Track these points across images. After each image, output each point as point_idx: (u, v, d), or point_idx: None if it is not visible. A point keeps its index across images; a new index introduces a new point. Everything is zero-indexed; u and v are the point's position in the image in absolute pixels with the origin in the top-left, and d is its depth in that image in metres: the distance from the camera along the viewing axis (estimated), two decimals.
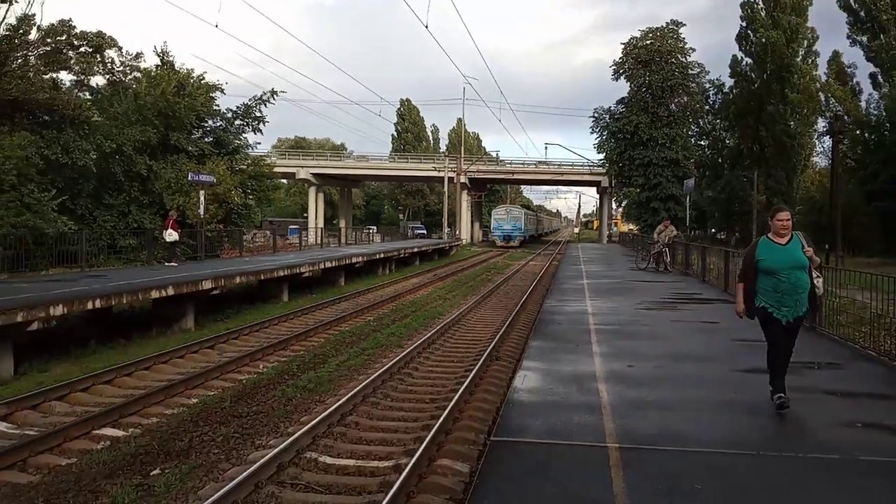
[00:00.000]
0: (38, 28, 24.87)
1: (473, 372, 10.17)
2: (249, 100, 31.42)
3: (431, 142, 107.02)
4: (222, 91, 30.31)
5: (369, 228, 67.03)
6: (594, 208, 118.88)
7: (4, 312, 10.51)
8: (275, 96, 31.30)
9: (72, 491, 6.32)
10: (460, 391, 9.05)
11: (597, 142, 55.60)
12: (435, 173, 67.65)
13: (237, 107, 31.46)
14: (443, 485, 6.23)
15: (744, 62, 53.38)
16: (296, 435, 7.38)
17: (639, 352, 9.30)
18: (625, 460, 5.21)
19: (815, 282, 6.43)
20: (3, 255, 17.89)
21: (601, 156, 56.11)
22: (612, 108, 54.41)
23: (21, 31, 24.38)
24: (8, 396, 9.24)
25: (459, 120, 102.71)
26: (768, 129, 49.75)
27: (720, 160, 59.16)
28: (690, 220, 43.18)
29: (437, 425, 7.58)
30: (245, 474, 6.23)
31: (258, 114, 31.35)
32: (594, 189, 79.70)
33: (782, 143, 49.56)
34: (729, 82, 54.79)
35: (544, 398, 7.01)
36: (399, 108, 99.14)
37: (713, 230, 62.23)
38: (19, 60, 24.85)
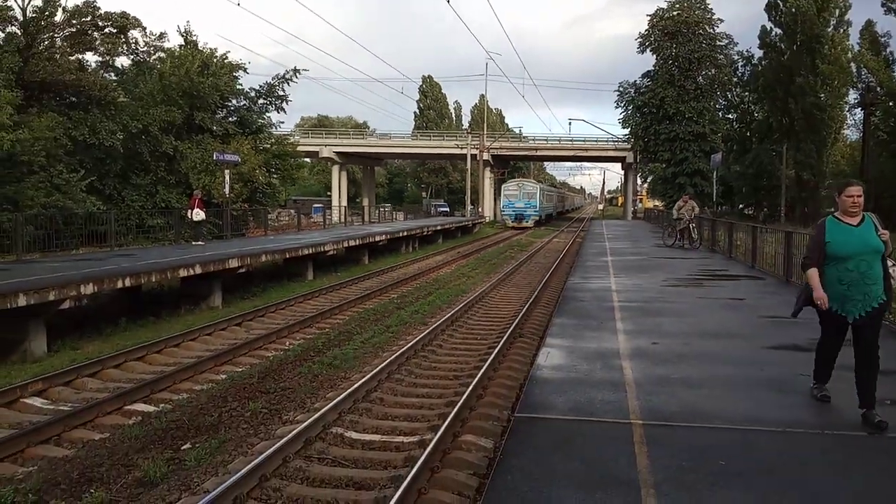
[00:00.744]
0: (64, 10, 25.10)
1: (497, 349, 10.21)
2: (272, 78, 31.50)
3: (454, 119, 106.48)
4: (245, 70, 30.41)
5: (383, 207, 66.92)
6: (619, 184, 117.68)
7: (37, 291, 10.76)
8: (297, 75, 31.32)
9: (105, 465, 6.50)
10: (484, 368, 9.10)
11: (621, 116, 54.81)
12: (457, 150, 67.39)
13: (260, 86, 31.57)
14: (467, 460, 6.29)
15: (773, 32, 52.02)
16: (322, 410, 7.49)
17: (663, 329, 9.24)
18: (649, 437, 5.21)
19: (891, 271, 5.57)
20: (34, 235, 18.26)
21: (626, 131, 55.33)
22: (638, 82, 53.52)
23: (47, 14, 24.64)
24: (42, 373, 9.50)
25: (482, 96, 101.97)
26: (798, 101, 48.58)
27: (748, 134, 58.01)
28: (717, 195, 42.57)
29: (461, 401, 7.64)
30: (273, 448, 6.35)
31: (281, 92, 31.42)
32: (619, 165, 78.89)
33: (812, 116, 48.41)
34: (758, 54, 53.50)
35: (568, 375, 7.02)
36: (421, 86, 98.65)
37: (741, 206, 61.28)
38: (46, 42, 25.15)
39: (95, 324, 12.98)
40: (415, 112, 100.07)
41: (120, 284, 12.88)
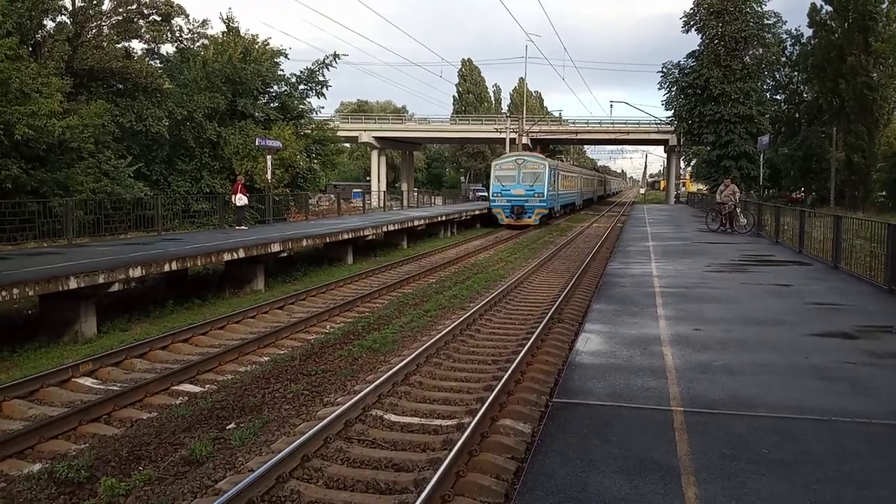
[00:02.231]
0: None
1: (535, 334, 10.20)
2: (313, 64, 31.73)
3: (493, 102, 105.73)
4: (286, 56, 30.72)
5: (422, 191, 66.67)
6: (661, 168, 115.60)
7: (88, 274, 11.11)
8: (337, 60, 31.47)
9: (153, 443, 6.71)
10: (522, 353, 9.10)
11: (665, 98, 53.66)
12: (496, 134, 66.97)
13: (301, 71, 31.83)
14: (505, 444, 6.32)
15: (823, 10, 50.31)
16: (362, 393, 7.60)
17: (706, 315, 9.10)
18: (690, 424, 5.16)
19: None
20: (84, 220, 18.83)
21: (669, 113, 54.21)
22: (682, 63, 52.26)
23: (95, 2, 25.25)
24: (93, 354, 9.83)
25: (521, 79, 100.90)
26: (849, 81, 46.94)
27: (797, 115, 56.36)
28: (764, 178, 41.50)
29: (500, 386, 7.66)
30: (315, 429, 6.48)
31: (321, 78, 31.64)
32: (661, 148, 77.42)
33: (864, 97, 46.74)
34: (807, 32, 51.85)
35: (607, 361, 6.97)
36: (460, 69, 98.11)
37: (789, 189, 59.65)
38: (94, 31, 25.79)
39: (143, 306, 13.36)
40: (454, 96, 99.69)
41: (167, 268, 13.22)
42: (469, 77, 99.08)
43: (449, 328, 10.93)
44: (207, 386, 8.59)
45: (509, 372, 8.18)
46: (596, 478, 4.37)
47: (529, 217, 35.38)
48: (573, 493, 4.19)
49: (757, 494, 4.06)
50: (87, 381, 8.82)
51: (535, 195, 35.56)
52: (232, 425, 7.22)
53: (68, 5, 24.84)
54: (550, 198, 36.97)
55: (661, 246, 18.90)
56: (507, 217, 35.51)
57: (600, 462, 4.60)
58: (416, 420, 7.27)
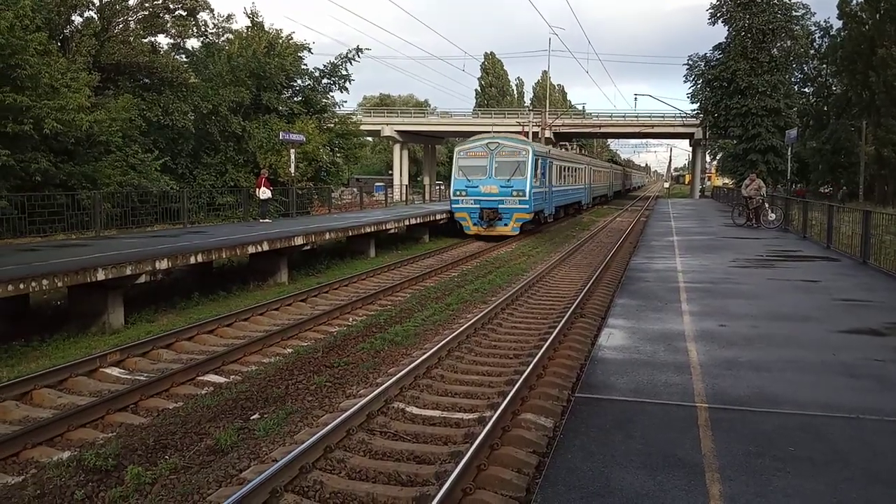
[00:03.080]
0: None
1: (557, 328, 10.16)
2: (336, 58, 31.83)
3: (515, 96, 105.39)
4: (310, 50, 30.85)
5: (436, 183, 66.05)
6: (686, 162, 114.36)
7: (115, 266, 11.29)
8: (360, 54, 31.53)
9: (179, 432, 6.81)
10: (544, 347, 9.07)
11: (691, 91, 52.95)
12: (519, 128, 66.63)
13: (324, 65, 31.94)
14: (527, 438, 6.31)
15: (854, 1, 49.20)
16: (384, 385, 7.63)
17: (731, 311, 8.99)
18: (714, 420, 5.11)
19: None
20: (111, 213, 19.13)
21: (695, 106, 53.51)
22: (708, 55, 51.50)
23: None
24: (120, 344, 10.00)
25: (544, 73, 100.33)
26: (879, 74, 45.89)
27: (825, 109, 55.33)
28: (792, 172, 40.85)
29: (521, 380, 7.65)
30: (337, 421, 6.53)
31: (344, 72, 31.72)
32: (686, 141, 76.54)
33: (895, 89, 45.69)
34: (837, 24, 50.79)
35: (630, 356, 6.93)
36: (483, 63, 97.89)
37: (817, 183, 58.63)
38: (120, 26, 26.13)
39: (169, 298, 13.54)
40: (476, 90, 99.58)
41: (192, 260, 13.38)
42: (492, 70, 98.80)
43: (470, 322, 10.93)
44: (232, 377, 8.69)
45: (531, 366, 8.17)
46: (619, 473, 4.35)
47: (505, 224, 25.18)
48: (596, 489, 4.17)
49: (783, 492, 4.01)
50: (115, 371, 8.97)
51: (514, 193, 25.14)
52: (256, 416, 7.30)
53: (95, 1, 25.18)
54: (537, 197, 26.46)
55: (685, 241, 18.70)
56: (474, 224, 25.45)
57: (623, 457, 4.58)
58: (437, 413, 7.30)
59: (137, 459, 6.13)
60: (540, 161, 26.71)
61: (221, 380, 8.57)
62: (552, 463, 4.63)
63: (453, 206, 25.86)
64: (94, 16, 25.16)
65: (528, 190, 25.11)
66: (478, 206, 25.30)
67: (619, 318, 8.68)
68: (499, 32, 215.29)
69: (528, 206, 25.22)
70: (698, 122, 56.21)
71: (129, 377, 8.76)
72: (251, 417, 7.26)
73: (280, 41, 29.92)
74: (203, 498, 5.40)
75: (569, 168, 35.72)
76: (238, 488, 5.29)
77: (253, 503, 5.08)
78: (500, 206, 25.07)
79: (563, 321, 10.66)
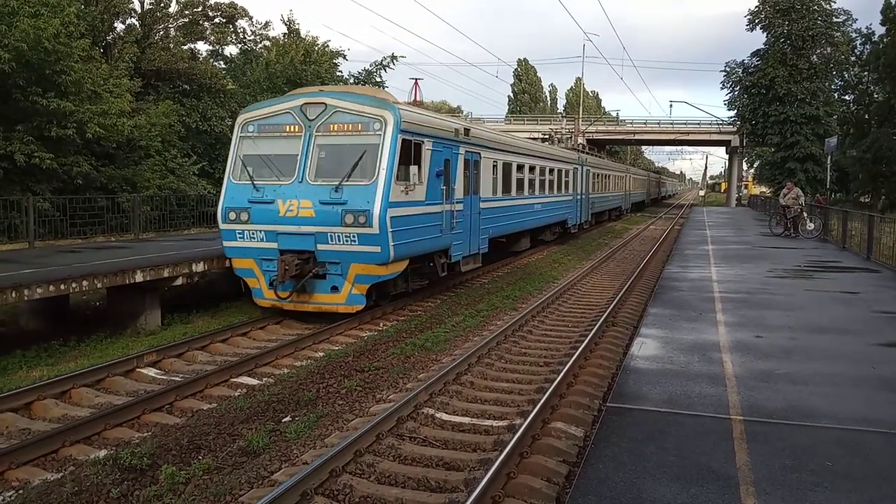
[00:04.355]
0: (177, 1, 26.64)
1: (588, 337, 10.07)
2: (370, 65, 32.14)
3: (548, 102, 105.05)
4: (345, 57, 31.27)
5: None
6: (722, 170, 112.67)
7: (153, 268, 11.52)
8: (395, 61, 31.80)
9: (212, 433, 6.90)
10: (575, 356, 9.00)
11: (727, 98, 52.32)
12: (552, 135, 66.41)
13: (359, 72, 32.30)
14: (557, 447, 6.26)
15: None
16: (414, 391, 7.65)
17: (768, 322, 8.83)
18: (750, 433, 5.02)
19: None
20: (150, 215, 19.56)
21: (732, 113, 52.83)
22: (746, 61, 50.84)
23: (162, 5, 26.20)
24: (156, 345, 10.19)
25: (578, 79, 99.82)
26: None
27: (866, 116, 53.93)
28: (831, 181, 39.96)
29: (552, 388, 7.60)
30: (368, 426, 6.56)
31: (378, 79, 32.01)
32: (723, 149, 75.42)
33: None
34: (879, 30, 49.45)
35: (663, 366, 6.85)
36: (516, 69, 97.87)
37: (857, 193, 57.24)
38: (161, 33, 26.79)
39: (205, 300, 13.76)
40: (509, 96, 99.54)
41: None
42: (525, 77, 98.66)
43: (501, 329, 10.90)
44: (265, 379, 8.79)
45: (562, 374, 8.11)
46: (651, 485, 4.30)
47: (336, 290, 11.42)
48: (627, 500, 4.13)
49: None
50: (151, 372, 9.14)
51: (350, 218, 10.97)
52: (287, 418, 7.37)
53: (137, 8, 25.88)
54: (415, 228, 11.98)
55: (721, 250, 18.41)
56: (271, 288, 11.52)
57: (655, 469, 4.52)
58: (467, 419, 7.28)
59: (172, 459, 6.23)
60: (443, 151, 13.18)
61: (254, 382, 8.67)
62: (583, 473, 4.60)
63: (225, 242, 12.11)
64: (136, 23, 25.85)
65: (378, 210, 10.82)
66: (274, 245, 11.44)
67: (652, 328, 8.59)
68: (532, 39, 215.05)
69: (382, 247, 10.98)
70: (735, 129, 55.44)
71: (164, 378, 8.92)
72: (283, 420, 7.33)
73: (316, 48, 30.34)
74: (235, 499, 5.47)
75: (550, 162, 25.78)
76: (269, 490, 5.34)
77: None
78: (320, 246, 11.21)
79: (594, 330, 10.57)
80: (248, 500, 5.40)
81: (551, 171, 23.44)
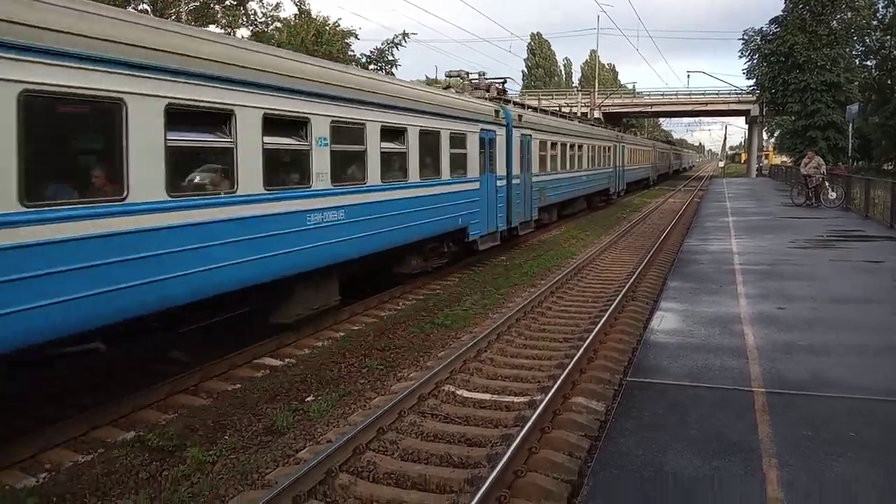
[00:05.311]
0: None
1: (608, 312, 10.05)
2: (382, 43, 31.88)
3: (563, 76, 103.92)
4: (356, 37, 31.00)
5: None
6: (742, 140, 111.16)
7: None
8: (406, 38, 31.51)
9: (237, 413, 7.02)
10: (595, 331, 8.99)
11: (746, 66, 51.29)
12: (567, 109, 65.77)
13: (371, 51, 32.06)
14: (578, 422, 6.29)
15: None
16: (435, 369, 7.70)
17: (790, 293, 8.76)
18: (771, 405, 5.01)
19: None
20: None
21: (751, 82, 51.82)
22: (765, 29, 49.73)
23: None
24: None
25: (593, 52, 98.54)
26: None
27: (889, 82, 52.74)
28: (853, 149, 39.28)
29: (572, 364, 7.62)
30: (390, 403, 6.63)
31: (391, 57, 31.75)
32: (742, 119, 74.35)
33: None
34: None
35: (683, 340, 6.83)
36: (529, 43, 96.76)
37: (879, 160, 56.19)
38: (172, 17, 26.78)
39: None
40: (523, 71, 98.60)
41: None
42: (538, 51, 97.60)
43: (520, 306, 10.91)
44: (287, 360, 8.89)
45: (581, 350, 8.12)
46: (673, 458, 4.32)
47: None
48: (649, 473, 4.15)
49: (842, 477, 3.92)
50: (176, 355, 9.25)
51: None
52: (311, 398, 7.46)
53: None
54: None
55: (741, 221, 18.22)
56: None
57: (677, 442, 4.54)
58: (487, 396, 7.33)
59: (198, 440, 6.35)
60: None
61: (277, 363, 8.77)
62: (604, 447, 4.63)
63: None
64: (148, 7, 25.85)
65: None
66: None
67: (672, 302, 8.56)
68: (545, 12, 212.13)
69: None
70: (754, 98, 54.48)
71: (189, 360, 9.01)
72: (306, 399, 7.42)
73: (328, 28, 30.14)
74: (262, 477, 5.57)
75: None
76: (295, 468, 5.44)
77: (310, 483, 5.22)
78: None
79: (613, 304, 10.54)
80: (274, 478, 5.49)
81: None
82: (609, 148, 31.35)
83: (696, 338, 6.89)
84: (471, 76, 18.17)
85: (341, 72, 10.12)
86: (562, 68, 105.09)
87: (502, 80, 18.92)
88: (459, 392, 7.42)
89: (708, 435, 4.60)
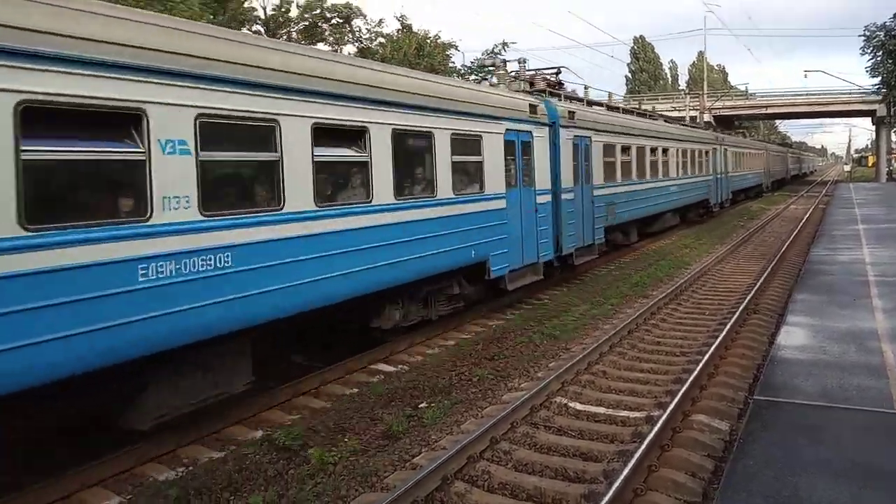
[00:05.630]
0: (297, 6, 28.06)
1: (728, 325, 9.60)
2: (482, 54, 32.18)
3: (669, 79, 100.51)
4: (456, 48, 31.51)
5: None
6: (868, 142, 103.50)
7: None
8: (506, 48, 31.64)
9: (355, 417, 7.26)
10: (714, 345, 8.63)
11: (870, 64, 47.74)
12: (674, 113, 63.56)
13: (471, 62, 32.46)
14: (700, 441, 6.06)
15: None
16: (546, 380, 7.65)
17: None
18: None
19: None
20: None
21: (875, 80, 48.14)
22: (888, 24, 46.07)
23: (284, 10, 27.71)
24: None
25: (700, 53, 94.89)
26: None
27: None
28: None
29: (691, 379, 7.35)
30: (502, 413, 6.65)
31: (490, 67, 31.97)
32: (868, 120, 69.13)
33: None
34: None
35: (815, 357, 6.45)
36: (632, 47, 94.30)
37: None
38: (284, 37, 28.29)
39: None
40: (626, 76, 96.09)
41: None
42: (642, 55, 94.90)
43: (632, 317, 10.64)
44: (400, 366, 9.10)
45: (701, 364, 7.81)
46: (807, 482, 4.09)
47: None
48: (782, 498, 3.95)
49: None
50: (297, 358, 9.68)
51: None
52: (424, 404, 7.60)
53: (262, 15, 27.47)
54: None
55: (873, 229, 16.96)
56: None
57: (812, 466, 4.29)
58: (601, 410, 7.19)
59: (320, 440, 6.62)
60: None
61: (391, 369, 8.99)
62: (731, 468, 4.45)
63: None
64: (261, 28, 27.41)
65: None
66: None
67: (800, 315, 8.10)
68: (648, 15, 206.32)
69: None
70: (880, 98, 50.53)
71: (308, 364, 9.40)
72: (419, 405, 7.57)
73: (428, 41, 30.77)
74: (380, 480, 5.73)
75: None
76: (413, 473, 5.55)
77: (427, 488, 5.32)
78: None
79: (734, 317, 10.06)
80: (392, 482, 5.64)
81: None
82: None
83: (829, 354, 6.48)
84: (507, 64, 15.74)
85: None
86: (667, 71, 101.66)
87: (555, 70, 15.97)
88: (572, 404, 7.33)
89: (846, 459, 4.32)
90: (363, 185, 8.08)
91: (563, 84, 16.14)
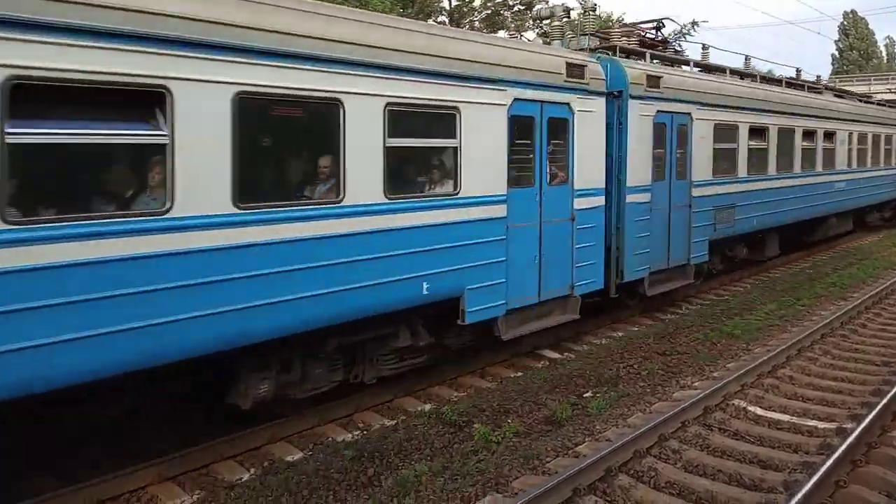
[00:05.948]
0: None
1: None
2: (670, 35, 30.66)
3: (884, 58, 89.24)
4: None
5: None
6: None
7: None
8: (695, 28, 29.90)
9: (519, 399, 7.34)
10: None
11: None
12: (891, 95, 56.36)
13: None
14: None
15: None
16: (724, 381, 7.23)
17: None
18: None
19: None
20: None
21: None
22: None
23: (468, 0, 28.38)
24: None
25: None
26: None
27: None
28: None
29: (893, 392, 6.59)
30: (672, 411, 6.39)
31: (678, 48, 30.40)
32: None
33: None
34: None
35: None
36: (841, 23, 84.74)
37: None
38: (466, 26, 28.92)
39: None
40: (833, 54, 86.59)
41: None
42: (853, 31, 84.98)
43: (827, 320, 9.70)
44: (566, 354, 9.06)
45: None
46: None
47: None
48: None
49: None
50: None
51: None
52: (588, 394, 7.51)
53: (447, 6, 28.26)
54: None
55: None
56: None
57: None
58: (785, 417, 6.67)
59: (484, 419, 6.78)
60: None
61: (557, 356, 8.98)
62: None
63: None
64: (446, 20, 28.22)
65: None
66: None
67: None
68: None
69: None
70: None
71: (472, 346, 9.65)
72: (584, 395, 7.49)
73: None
74: (543, 463, 5.76)
75: None
76: (576, 461, 5.52)
77: (590, 477, 5.26)
78: None
79: None
80: (554, 467, 5.64)
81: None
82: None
83: None
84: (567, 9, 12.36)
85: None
86: (882, 49, 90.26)
87: (655, 25, 12.64)
88: (752, 409, 6.88)
89: None
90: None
91: (668, 42, 12.66)
